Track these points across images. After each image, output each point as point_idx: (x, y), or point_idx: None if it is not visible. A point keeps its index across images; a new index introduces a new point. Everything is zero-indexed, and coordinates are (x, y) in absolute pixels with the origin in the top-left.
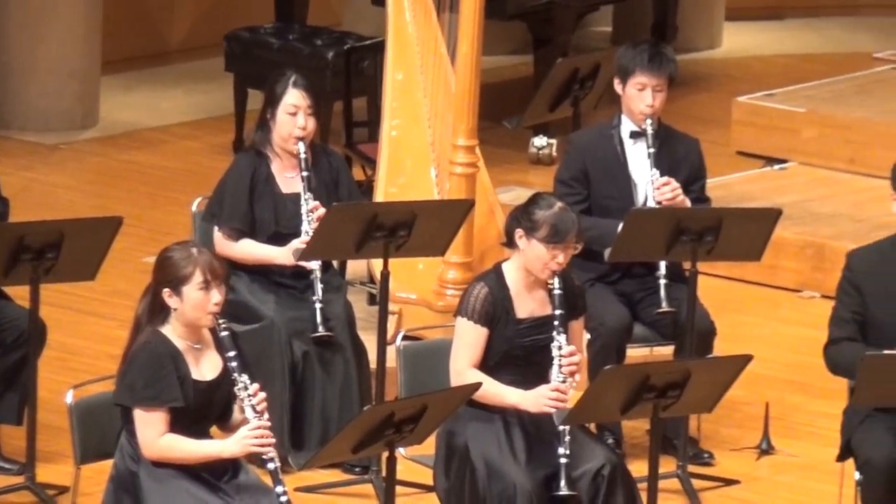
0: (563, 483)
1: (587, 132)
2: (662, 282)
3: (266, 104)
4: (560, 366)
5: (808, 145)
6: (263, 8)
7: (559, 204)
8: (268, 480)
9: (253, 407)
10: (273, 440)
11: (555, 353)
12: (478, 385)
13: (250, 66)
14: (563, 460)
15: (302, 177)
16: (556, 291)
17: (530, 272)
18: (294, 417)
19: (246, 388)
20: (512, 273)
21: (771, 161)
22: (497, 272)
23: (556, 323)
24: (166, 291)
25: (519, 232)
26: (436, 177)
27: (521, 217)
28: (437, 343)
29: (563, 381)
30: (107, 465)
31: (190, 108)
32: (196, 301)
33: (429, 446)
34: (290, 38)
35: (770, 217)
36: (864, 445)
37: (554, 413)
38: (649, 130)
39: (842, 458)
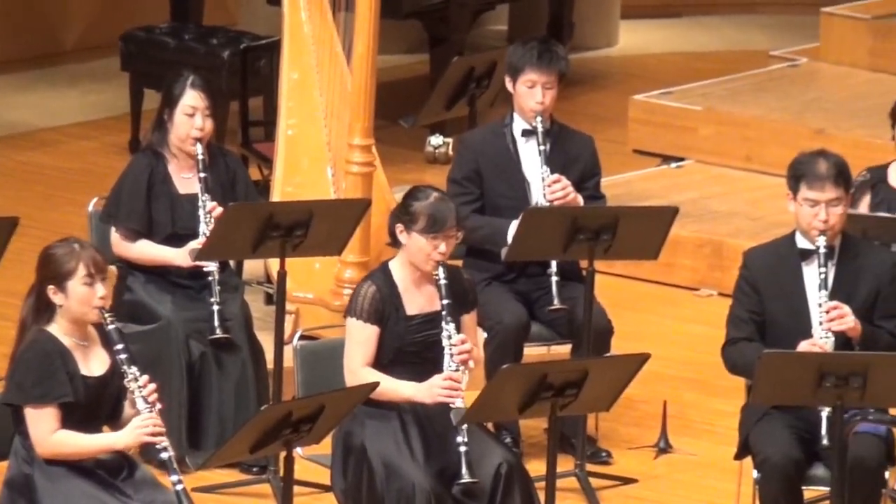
0: (464, 471)
1: (479, 131)
2: (554, 279)
3: (163, 105)
4: (451, 355)
5: (705, 143)
6: (159, 8)
7: (435, 194)
8: (162, 476)
9: (144, 398)
10: (164, 429)
11: (445, 343)
12: (375, 384)
13: (146, 65)
14: (462, 448)
15: (199, 178)
16: (442, 282)
17: (416, 266)
18: (191, 417)
19: (136, 380)
20: (398, 270)
21: (668, 159)
22: (384, 270)
23: (443, 313)
24: (51, 288)
25: (399, 227)
26: (332, 176)
27: (400, 212)
28: (334, 342)
29: (456, 370)
30: (2, 467)
31: (86, 108)
32: (81, 295)
33: (326, 446)
34: (185, 38)
35: (667, 215)
36: (762, 443)
37: (451, 412)
38: (540, 128)
39: (739, 456)
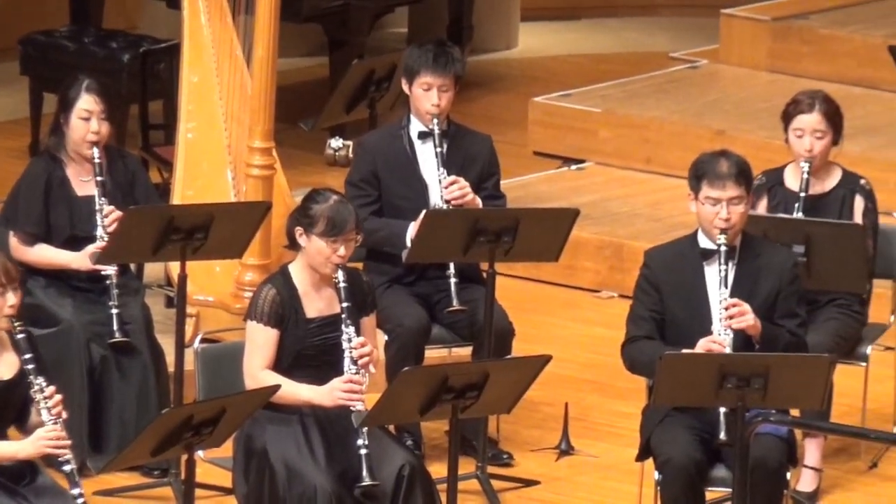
0: (364, 474)
1: (377, 134)
2: (453, 280)
3: (59, 109)
4: (351, 358)
5: (605, 145)
6: (58, 11)
7: (335, 197)
8: (65, 483)
9: (48, 409)
10: (68, 442)
11: (345, 345)
12: (276, 387)
13: (46, 69)
14: (363, 451)
15: (97, 182)
16: (342, 285)
17: (315, 269)
18: (93, 421)
19: (42, 391)
20: (298, 273)
21: (568, 161)
22: (284, 273)
23: (343, 315)
24: None
25: (298, 230)
26: (232, 179)
27: (299, 215)
28: (235, 345)
29: (357, 373)
30: None
31: None
32: None
33: (228, 449)
34: (85, 42)
35: (567, 217)
36: (663, 445)
37: (352, 415)
38: (436, 130)
39: (641, 457)
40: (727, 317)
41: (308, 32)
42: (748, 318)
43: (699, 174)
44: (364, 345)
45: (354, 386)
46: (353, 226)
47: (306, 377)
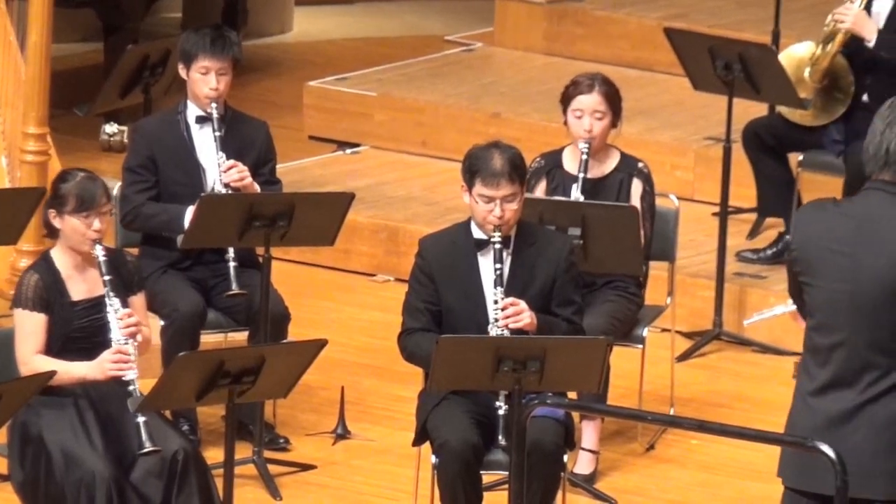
0: (144, 439)
1: (153, 119)
2: (232, 265)
3: None
4: (118, 328)
5: (381, 129)
6: None
7: (82, 174)
8: None
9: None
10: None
11: (111, 316)
12: (53, 373)
13: None
14: (140, 419)
15: None
16: (101, 258)
17: (75, 250)
18: None
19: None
20: (60, 257)
21: (343, 145)
22: (46, 258)
23: (106, 288)
24: None
25: (52, 213)
26: (7, 165)
27: (50, 199)
28: (10, 332)
29: (125, 343)
30: None
31: None
32: None
33: (2, 435)
34: None
35: (343, 201)
36: (439, 429)
37: (128, 400)
38: (214, 114)
39: (417, 441)
40: (503, 317)
41: (82, 18)
42: (524, 318)
43: (472, 170)
44: (130, 315)
45: (123, 356)
46: (105, 199)
47: (78, 360)
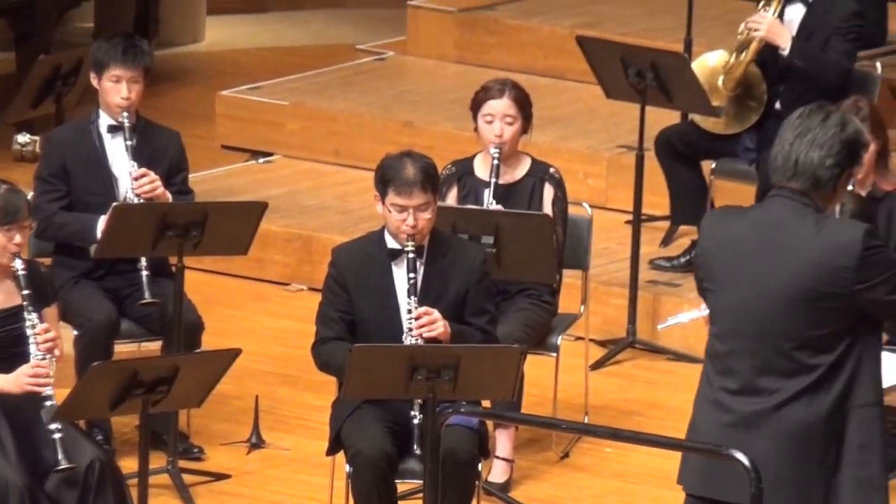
0: (60, 457)
1: (65, 128)
2: (144, 273)
3: None
4: (37, 344)
5: (293, 138)
6: None
7: (5, 186)
8: None
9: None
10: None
11: (29, 332)
12: None
13: None
14: (56, 436)
15: None
16: (20, 272)
17: None
18: None
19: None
20: None
21: (256, 154)
22: None
23: (25, 303)
24: None
25: None
26: None
27: None
28: None
29: (43, 359)
30: None
31: None
32: None
33: None
34: None
35: (256, 210)
36: (353, 437)
37: (42, 411)
38: (126, 123)
39: (332, 451)
40: (417, 326)
41: None
42: (438, 327)
43: (385, 180)
44: (48, 330)
45: (41, 370)
46: (26, 213)
47: None
